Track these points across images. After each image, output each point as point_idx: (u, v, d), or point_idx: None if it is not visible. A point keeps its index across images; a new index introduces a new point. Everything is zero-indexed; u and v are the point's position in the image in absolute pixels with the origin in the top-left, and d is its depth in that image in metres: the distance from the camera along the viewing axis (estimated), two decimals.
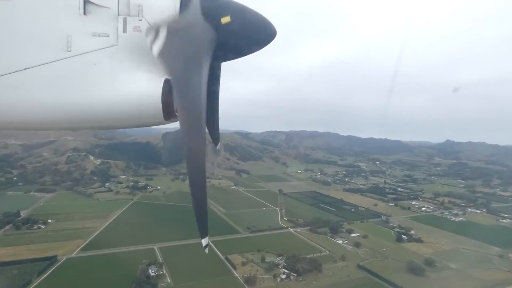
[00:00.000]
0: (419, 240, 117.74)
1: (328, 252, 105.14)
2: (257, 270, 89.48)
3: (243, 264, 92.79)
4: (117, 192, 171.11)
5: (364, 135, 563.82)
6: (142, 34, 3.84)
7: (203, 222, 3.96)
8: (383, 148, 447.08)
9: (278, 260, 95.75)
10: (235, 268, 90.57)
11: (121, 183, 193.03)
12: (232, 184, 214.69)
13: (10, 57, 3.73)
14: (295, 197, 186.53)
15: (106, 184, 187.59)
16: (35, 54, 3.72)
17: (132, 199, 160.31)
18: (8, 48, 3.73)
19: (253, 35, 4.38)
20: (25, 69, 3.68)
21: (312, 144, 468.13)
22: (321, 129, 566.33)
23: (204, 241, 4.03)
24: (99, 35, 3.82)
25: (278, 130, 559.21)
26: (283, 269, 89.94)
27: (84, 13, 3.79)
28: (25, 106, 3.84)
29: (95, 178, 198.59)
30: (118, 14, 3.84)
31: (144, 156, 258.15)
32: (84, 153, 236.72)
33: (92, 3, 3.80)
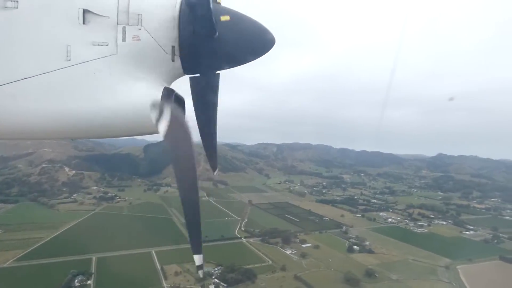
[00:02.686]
0: (370, 251, 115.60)
1: (270, 262, 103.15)
2: (188, 280, 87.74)
3: (176, 274, 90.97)
4: (81, 203, 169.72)
5: (357, 148, 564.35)
6: (141, 42, 3.87)
7: (196, 238, 3.96)
8: (374, 161, 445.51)
9: (215, 270, 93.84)
10: (166, 278, 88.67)
11: (90, 194, 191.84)
12: (204, 194, 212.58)
13: (9, 66, 3.67)
14: (263, 207, 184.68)
15: (74, 195, 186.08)
16: (34, 63, 3.67)
17: (94, 210, 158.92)
18: (7, 57, 3.67)
19: (252, 42, 4.34)
20: (24, 78, 3.63)
21: (303, 156, 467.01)
22: (314, 142, 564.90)
23: (197, 259, 3.93)
24: (98, 44, 3.81)
25: (270, 142, 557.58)
26: (216, 280, 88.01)
27: (84, 22, 3.76)
28: (24, 115, 3.78)
29: (64, 189, 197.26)
30: (117, 23, 3.83)
31: (122, 167, 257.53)
32: (59, 165, 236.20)
33: (91, 12, 3.78)
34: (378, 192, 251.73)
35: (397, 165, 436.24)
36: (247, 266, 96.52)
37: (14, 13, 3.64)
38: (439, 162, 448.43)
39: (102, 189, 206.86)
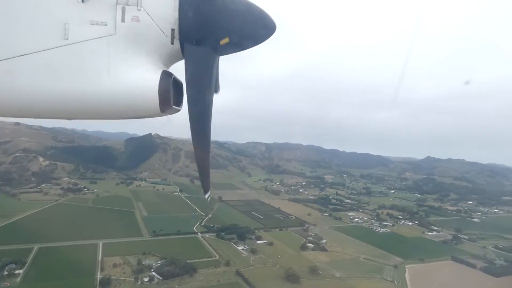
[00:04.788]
0: (323, 249, 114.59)
1: (217, 257, 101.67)
2: (124, 273, 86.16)
3: (115, 266, 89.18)
4: (46, 194, 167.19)
5: (348, 150, 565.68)
6: (141, 24, 3.78)
7: (205, 181, 4.41)
8: (362, 162, 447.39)
9: (158, 263, 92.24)
10: (102, 270, 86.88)
11: (59, 185, 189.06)
12: (177, 190, 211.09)
13: (7, 43, 3.60)
14: (232, 204, 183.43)
15: (42, 185, 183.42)
16: (32, 40, 3.61)
17: (57, 201, 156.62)
18: (5, 34, 3.60)
19: (254, 27, 4.20)
20: (21, 55, 3.57)
21: (291, 156, 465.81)
22: (306, 142, 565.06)
23: (207, 195, 4.54)
24: (97, 24, 3.71)
25: (260, 141, 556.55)
26: (153, 273, 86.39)
27: (83, 1, 3.70)
28: (20, 92, 3.71)
29: (33, 179, 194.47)
30: (116, 3, 3.76)
31: (99, 160, 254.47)
32: (33, 154, 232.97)
33: None
34: (355, 192, 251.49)
35: (384, 167, 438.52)
36: (191, 260, 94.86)
37: None
38: (426, 165, 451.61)
39: (73, 180, 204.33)
